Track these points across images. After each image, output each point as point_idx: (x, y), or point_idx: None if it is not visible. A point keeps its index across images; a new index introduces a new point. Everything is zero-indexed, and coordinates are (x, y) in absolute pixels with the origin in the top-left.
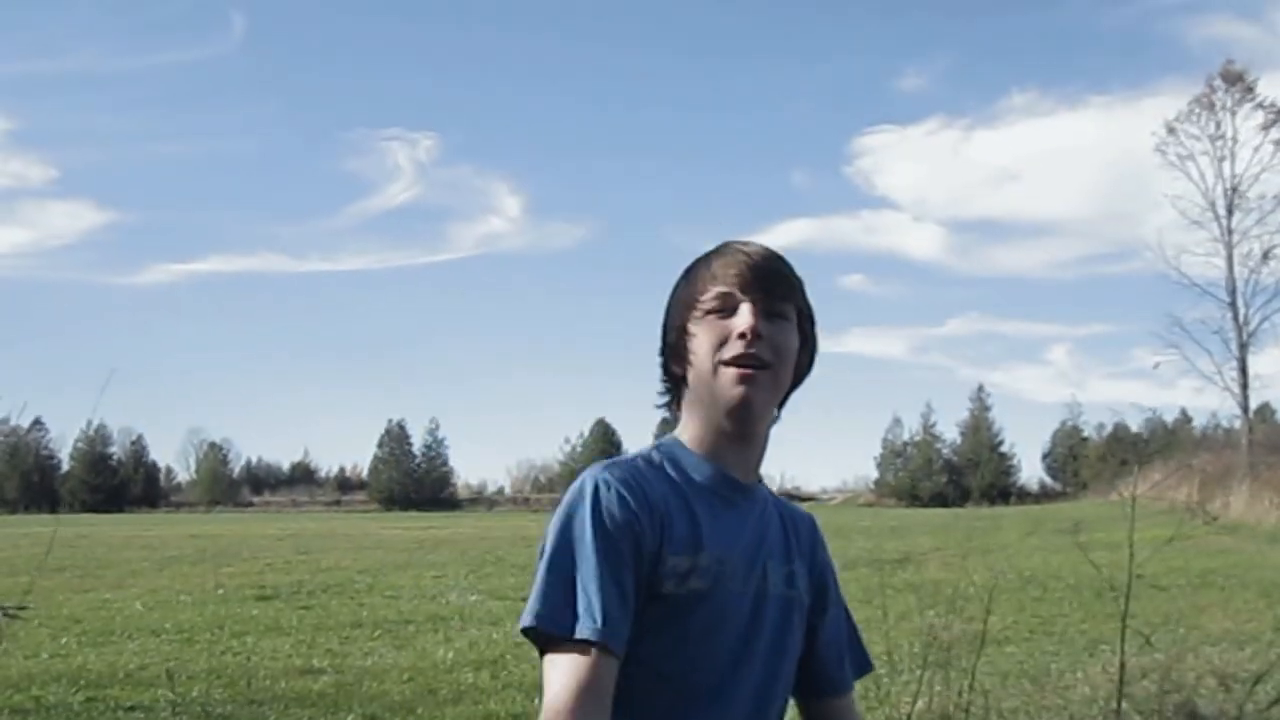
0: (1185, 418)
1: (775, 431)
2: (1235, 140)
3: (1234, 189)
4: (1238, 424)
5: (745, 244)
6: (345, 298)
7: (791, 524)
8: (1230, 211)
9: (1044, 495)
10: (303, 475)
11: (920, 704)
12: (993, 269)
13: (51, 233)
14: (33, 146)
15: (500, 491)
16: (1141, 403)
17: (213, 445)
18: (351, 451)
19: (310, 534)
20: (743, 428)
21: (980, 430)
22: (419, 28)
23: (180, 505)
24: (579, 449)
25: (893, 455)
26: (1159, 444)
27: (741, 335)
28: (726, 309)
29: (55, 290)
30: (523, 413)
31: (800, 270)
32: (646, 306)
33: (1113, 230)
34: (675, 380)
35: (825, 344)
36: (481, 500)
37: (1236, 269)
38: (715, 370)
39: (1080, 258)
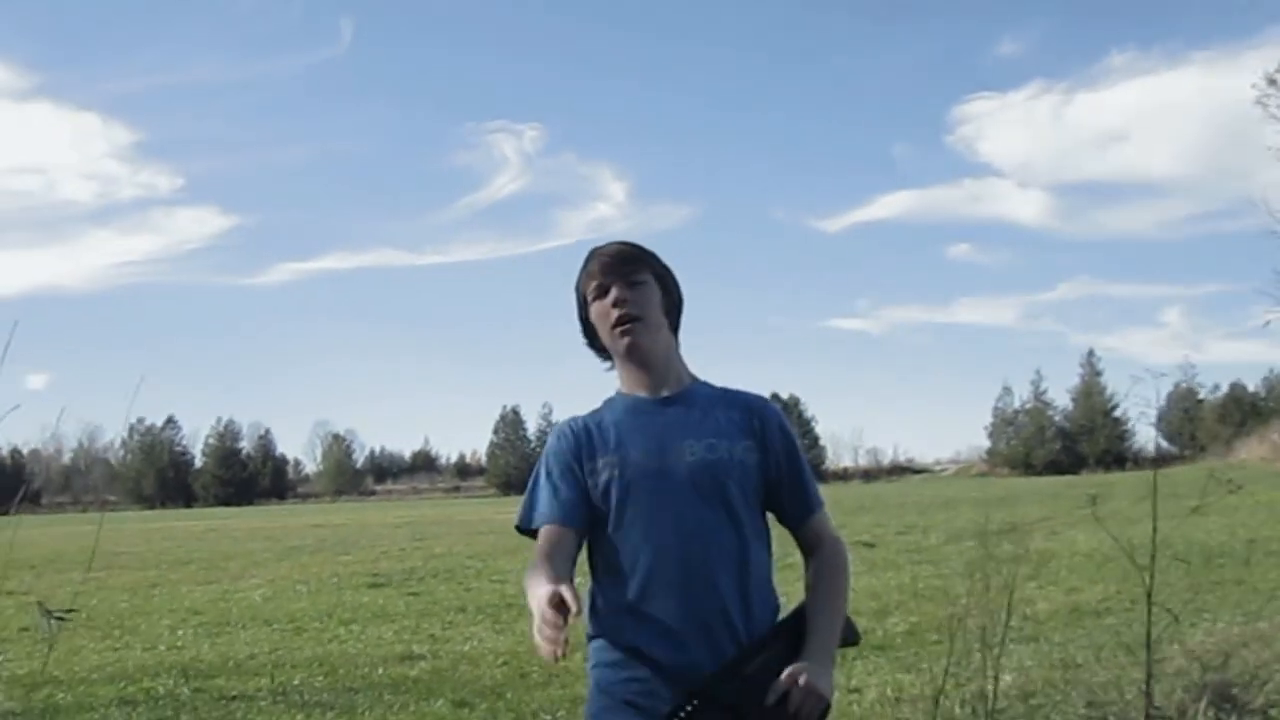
0: None
1: (887, 408)
2: None
3: None
4: None
5: (604, 245)
6: (459, 288)
7: (727, 409)
8: None
9: (1161, 460)
10: (423, 463)
11: (1008, 679)
12: (1101, 231)
13: (180, 238)
14: (160, 157)
15: None
16: (1262, 361)
17: (337, 437)
18: (470, 439)
19: (427, 521)
20: (641, 361)
21: (1092, 396)
22: (518, 22)
23: (306, 496)
24: None
25: (1004, 424)
26: (1277, 403)
27: (615, 304)
28: (603, 293)
29: (184, 293)
30: None
31: (904, 242)
32: (752, 281)
33: (1222, 187)
34: (602, 350)
35: (933, 315)
36: None
37: None
38: (611, 335)
39: (1190, 216)
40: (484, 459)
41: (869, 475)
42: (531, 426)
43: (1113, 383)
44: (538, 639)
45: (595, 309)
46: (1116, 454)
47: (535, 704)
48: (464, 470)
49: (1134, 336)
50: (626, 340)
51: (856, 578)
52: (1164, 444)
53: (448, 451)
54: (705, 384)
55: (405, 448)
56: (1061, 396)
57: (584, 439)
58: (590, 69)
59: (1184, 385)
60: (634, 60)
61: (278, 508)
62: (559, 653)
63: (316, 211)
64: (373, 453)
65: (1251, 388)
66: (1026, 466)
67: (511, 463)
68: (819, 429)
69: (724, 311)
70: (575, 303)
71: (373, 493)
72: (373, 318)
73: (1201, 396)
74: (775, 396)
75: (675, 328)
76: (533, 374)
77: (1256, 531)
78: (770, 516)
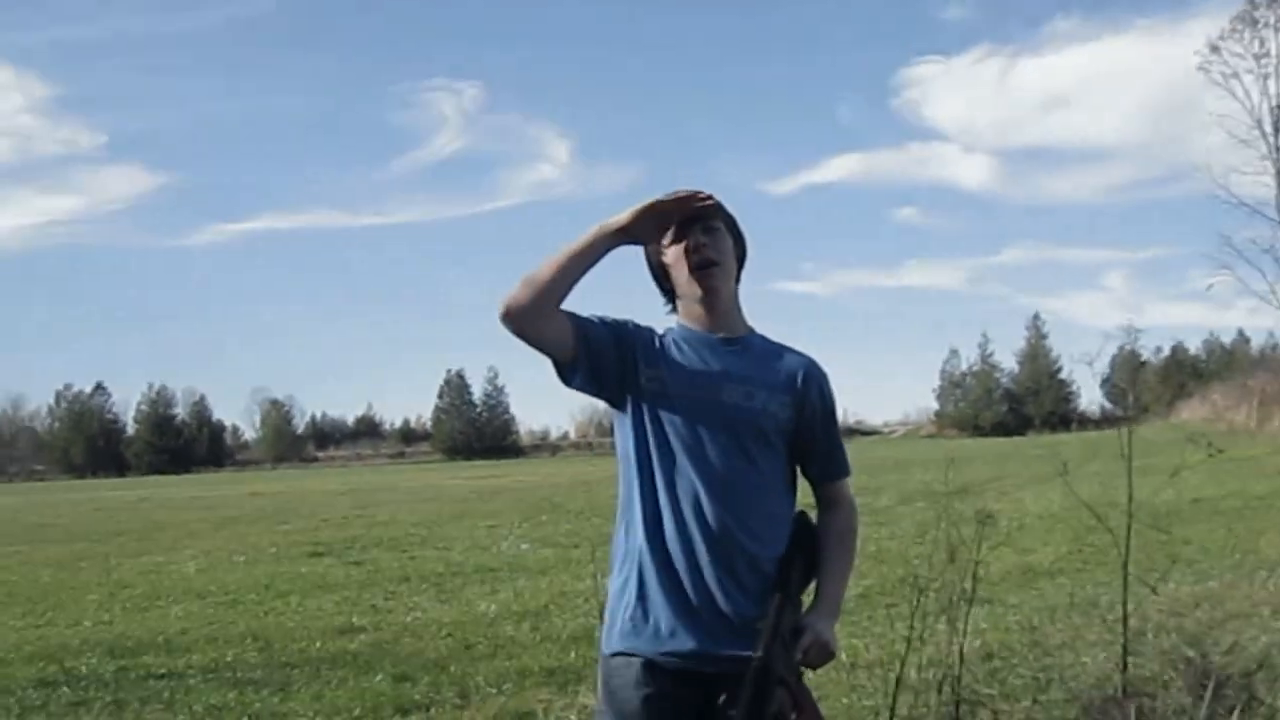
0: (1243, 338)
1: (834, 369)
2: (1278, 57)
3: (1279, 106)
4: None
5: (674, 193)
6: (400, 250)
7: (775, 362)
8: (1277, 129)
9: (1104, 421)
10: (367, 429)
11: (964, 641)
12: (1045, 196)
13: (105, 197)
14: (81, 112)
15: (564, 437)
16: (1201, 324)
17: (275, 403)
18: (415, 403)
19: (370, 488)
20: (712, 304)
21: (1038, 358)
22: None
23: (245, 464)
24: None
25: (952, 386)
26: (1217, 365)
27: (696, 250)
28: (679, 237)
29: (110, 255)
30: None
31: (851, 205)
32: None
33: (1163, 153)
34: (669, 291)
35: (881, 278)
36: (545, 446)
37: None
38: (689, 278)
39: (1132, 182)
40: (429, 424)
41: None
42: (477, 390)
43: (1058, 345)
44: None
45: (672, 252)
46: (1062, 415)
47: (480, 677)
48: (408, 436)
49: (1078, 300)
50: (706, 284)
51: None
52: (1107, 405)
53: (391, 417)
54: (760, 336)
55: (347, 413)
56: (1008, 359)
57: (647, 341)
58: (532, 26)
59: (1127, 348)
60: (577, 18)
61: (214, 476)
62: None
63: (249, 170)
64: (314, 418)
65: (1192, 350)
66: (974, 428)
67: (457, 427)
68: None
69: None
70: (646, 255)
71: (314, 459)
72: (310, 280)
73: (1144, 359)
74: None
75: (738, 276)
76: (478, 337)
77: (1199, 491)
78: None
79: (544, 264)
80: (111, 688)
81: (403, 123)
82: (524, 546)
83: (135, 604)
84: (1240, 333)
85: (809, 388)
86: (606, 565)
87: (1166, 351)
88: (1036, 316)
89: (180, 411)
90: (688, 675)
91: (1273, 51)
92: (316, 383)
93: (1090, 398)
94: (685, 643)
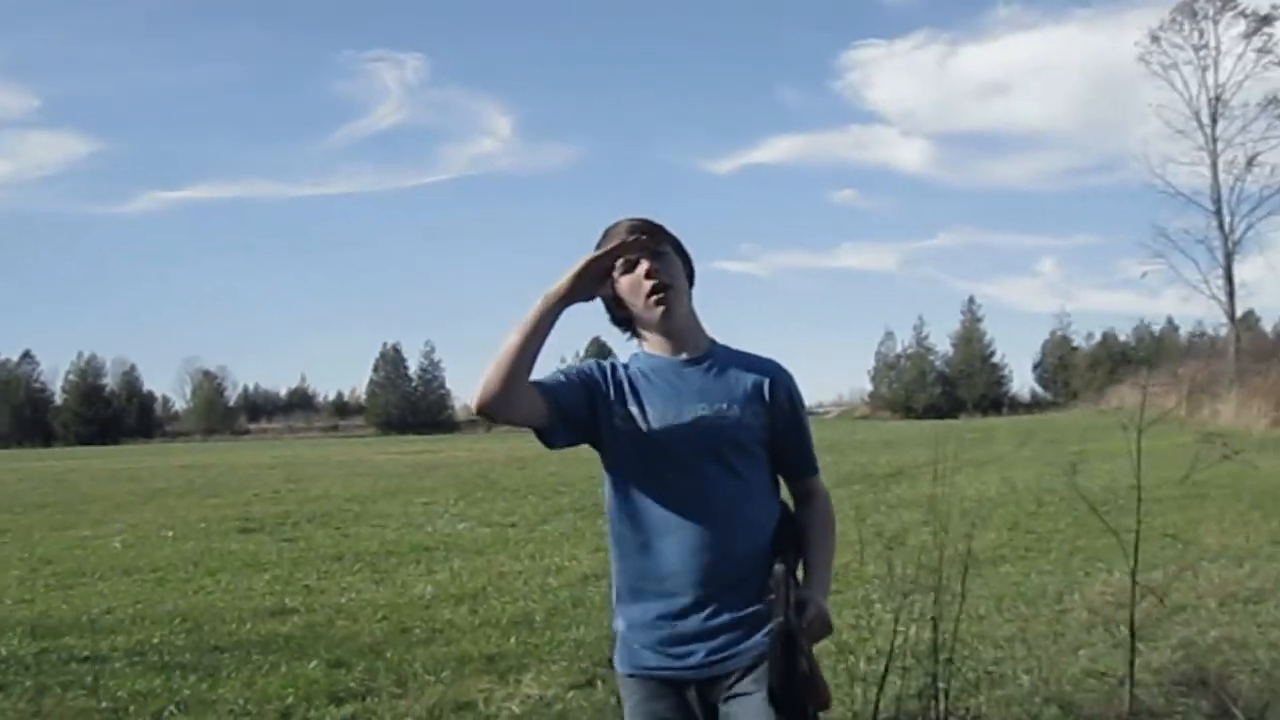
0: (1172, 326)
1: (769, 349)
2: (1218, 49)
3: (1217, 98)
4: (1224, 332)
5: (619, 223)
6: (337, 222)
7: (742, 373)
8: (1214, 120)
9: (1035, 405)
10: (300, 401)
11: (912, 631)
12: (982, 182)
13: (34, 163)
14: (10, 76)
15: None
16: (1130, 311)
17: (208, 374)
18: (349, 376)
19: (303, 462)
20: (670, 327)
21: (972, 342)
22: None
23: (175, 435)
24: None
25: (886, 368)
26: (1147, 352)
27: (648, 275)
28: (631, 267)
29: (40, 222)
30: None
31: (790, 186)
32: None
33: (1099, 141)
34: (625, 321)
35: (817, 259)
36: (480, 422)
37: (1221, 177)
38: (645, 304)
39: (1068, 169)
40: (363, 397)
41: None
42: (413, 365)
43: (991, 329)
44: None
45: (626, 282)
46: (994, 399)
47: (418, 663)
48: (342, 409)
49: (1011, 285)
50: (661, 309)
51: None
52: (1038, 389)
53: (325, 389)
54: (723, 347)
55: (280, 385)
56: (942, 342)
57: (613, 379)
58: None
59: (1059, 333)
60: None
61: (144, 447)
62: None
63: (185, 138)
64: (246, 390)
65: (1122, 338)
66: (907, 410)
67: (392, 401)
68: None
69: None
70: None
71: (246, 432)
72: (246, 250)
73: (1076, 345)
74: None
75: (689, 295)
76: (414, 311)
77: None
78: None
79: (502, 348)
80: (32, 671)
81: (344, 93)
82: (460, 525)
83: (59, 581)
84: (1170, 321)
85: (777, 393)
86: (544, 546)
87: (1098, 338)
88: (971, 300)
89: (110, 381)
90: (697, 683)
91: (1212, 43)
92: (249, 354)
93: (1022, 382)
94: (692, 658)
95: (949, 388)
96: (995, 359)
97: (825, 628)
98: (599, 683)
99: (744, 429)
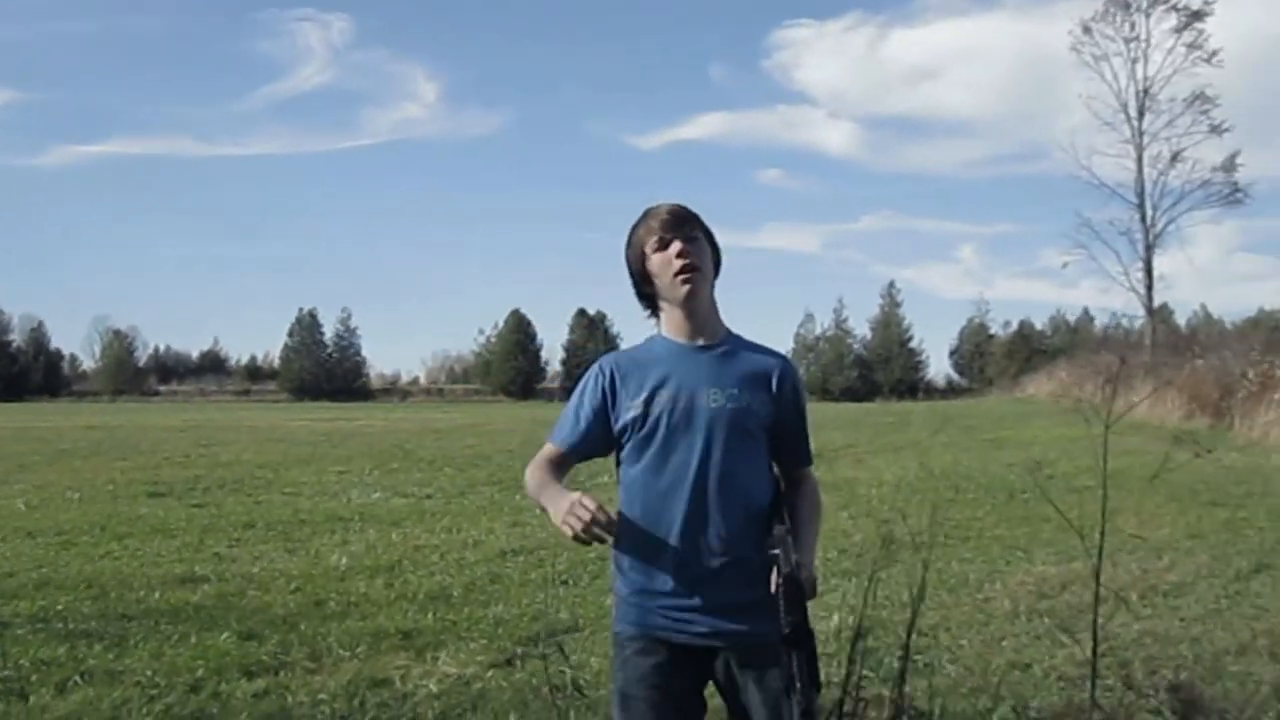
0: (1088, 316)
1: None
2: (1148, 42)
3: (1145, 91)
4: (1139, 324)
5: (659, 205)
6: (256, 182)
7: (751, 362)
8: (1141, 113)
9: (950, 391)
10: (212, 364)
11: (835, 620)
12: (907, 166)
13: None
14: None
15: (414, 381)
16: (1047, 301)
17: (118, 333)
18: (262, 340)
19: (214, 425)
20: (693, 308)
21: (890, 326)
22: None
23: (83, 395)
24: (493, 339)
25: (805, 350)
26: (1062, 342)
27: (679, 255)
28: (664, 245)
29: None
30: (437, 303)
31: (717, 163)
32: (564, 197)
33: (1025, 130)
34: (648, 298)
35: (740, 238)
36: (395, 390)
37: (1145, 171)
38: (672, 282)
39: (992, 157)
40: (277, 362)
41: None
42: (329, 331)
43: (910, 315)
44: (569, 519)
45: (657, 259)
46: (910, 384)
47: (332, 638)
48: (255, 373)
49: (931, 270)
50: (687, 288)
51: None
52: (953, 375)
53: (238, 353)
54: (737, 337)
55: (192, 347)
56: (861, 325)
57: (618, 378)
58: None
59: (977, 320)
60: None
61: (50, 406)
62: (591, 531)
63: (101, 91)
64: (157, 351)
65: (1039, 326)
66: (824, 392)
67: (306, 367)
68: (623, 345)
69: (532, 223)
70: (627, 257)
71: (156, 393)
72: (161, 208)
73: (993, 332)
74: (582, 312)
75: (713, 283)
76: (332, 277)
77: (1054, 466)
78: None
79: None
80: None
81: (267, 52)
82: (375, 495)
83: None
84: (1086, 311)
85: (784, 385)
86: (461, 519)
87: (1014, 327)
88: (892, 285)
89: (16, 338)
90: (691, 649)
91: (1143, 36)
92: (161, 314)
93: (938, 368)
94: (692, 627)
95: (866, 371)
96: (913, 344)
97: (812, 589)
98: (519, 662)
99: (749, 415)
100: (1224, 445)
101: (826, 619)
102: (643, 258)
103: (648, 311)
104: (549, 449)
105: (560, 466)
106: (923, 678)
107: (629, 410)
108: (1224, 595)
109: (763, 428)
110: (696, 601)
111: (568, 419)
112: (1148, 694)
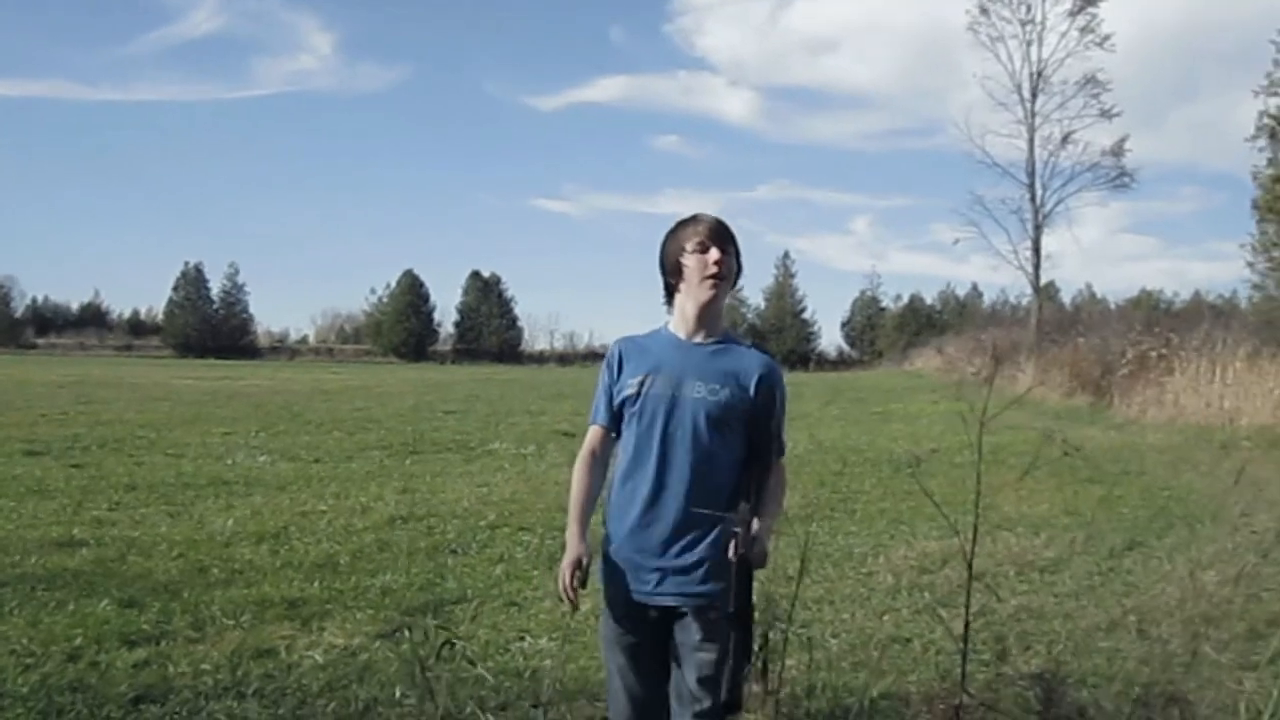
0: (976, 292)
1: (584, 294)
2: (1043, 25)
3: (1039, 73)
4: (1027, 301)
5: (707, 214)
6: (142, 130)
7: (736, 362)
8: (1034, 95)
9: (841, 362)
10: (93, 317)
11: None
12: (804, 137)
13: None
14: None
15: (303, 340)
16: (938, 275)
17: None
18: (146, 294)
19: (95, 381)
20: (705, 311)
21: (784, 297)
22: None
23: None
24: (385, 300)
25: None
26: (951, 316)
27: (716, 263)
28: (704, 249)
29: None
30: (328, 261)
31: (615, 127)
32: (460, 156)
33: (921, 105)
34: (670, 288)
35: (638, 204)
36: (283, 349)
37: (1037, 151)
38: (700, 283)
39: (887, 130)
40: (160, 317)
41: (564, 359)
42: (215, 286)
43: (804, 285)
44: (561, 591)
45: (694, 260)
46: (803, 354)
47: (216, 606)
48: (138, 328)
49: (825, 241)
50: (712, 293)
51: (557, 469)
52: (844, 347)
53: (120, 307)
54: (731, 338)
55: (72, 299)
56: (755, 295)
57: (624, 357)
58: None
59: (868, 293)
60: None
61: None
62: (574, 605)
63: None
64: (34, 302)
65: (929, 300)
66: None
67: (191, 323)
68: (518, 309)
69: (427, 182)
70: (665, 249)
71: (33, 346)
72: (40, 154)
73: (884, 305)
74: (476, 274)
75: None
76: (220, 230)
77: (939, 440)
78: None
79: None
80: None
81: None
82: (261, 458)
83: None
84: (974, 287)
85: (762, 386)
86: (349, 485)
87: (905, 300)
88: (786, 255)
89: None
90: (654, 607)
91: (1038, 19)
92: (40, 264)
93: (830, 339)
94: (649, 586)
95: (760, 341)
96: (806, 315)
97: (763, 560)
98: (406, 631)
99: (727, 408)
100: (1103, 422)
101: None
102: (680, 252)
103: (664, 300)
104: (593, 432)
105: (605, 443)
106: (805, 652)
107: (627, 388)
108: (1097, 572)
109: (739, 420)
110: (656, 564)
111: (600, 399)
112: (1016, 679)
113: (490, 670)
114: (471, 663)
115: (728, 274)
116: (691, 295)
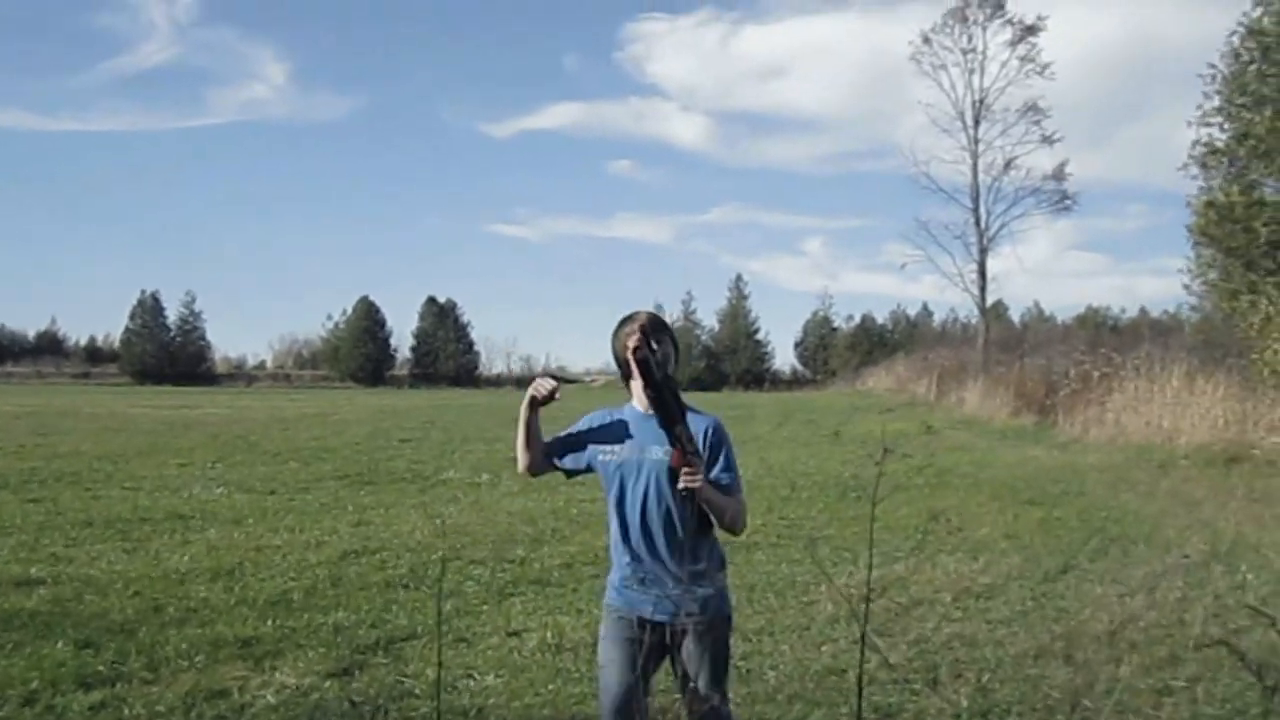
0: (927, 312)
1: (541, 317)
2: (984, 54)
3: (981, 101)
4: (976, 320)
5: (639, 315)
6: (97, 159)
7: (690, 425)
8: (977, 122)
9: (795, 382)
10: (50, 345)
11: None
12: (755, 160)
13: None
14: None
15: (261, 366)
16: (890, 295)
17: None
18: (103, 321)
19: (52, 411)
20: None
21: (738, 318)
22: None
23: None
24: (342, 325)
25: None
26: (902, 336)
27: (645, 385)
28: (637, 355)
29: None
30: (285, 287)
31: (569, 153)
32: (415, 183)
33: (870, 128)
34: (626, 377)
35: (592, 228)
36: (240, 375)
37: (980, 177)
38: (642, 394)
39: (838, 153)
40: (118, 345)
41: (520, 383)
42: (172, 314)
43: (757, 306)
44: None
45: (635, 384)
46: (757, 375)
47: (170, 646)
48: (95, 355)
49: (779, 263)
50: (653, 394)
51: (510, 498)
52: (798, 367)
53: (77, 334)
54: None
55: (29, 327)
56: (709, 316)
57: (605, 427)
58: None
59: (820, 313)
60: None
61: None
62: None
63: None
64: None
65: (880, 320)
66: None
67: (149, 351)
68: (474, 333)
69: (383, 208)
70: (613, 346)
71: None
72: None
73: (836, 325)
74: (432, 300)
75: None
76: (176, 257)
77: (885, 464)
78: None
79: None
80: None
81: (108, 26)
82: (218, 490)
83: None
84: (925, 306)
85: (712, 441)
86: (304, 518)
87: (857, 320)
88: (739, 277)
89: None
90: (648, 623)
91: (979, 48)
92: None
93: (784, 359)
94: (642, 608)
95: (714, 362)
96: (759, 336)
97: (690, 486)
98: (357, 671)
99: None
100: (1047, 442)
101: None
102: (625, 350)
103: (624, 385)
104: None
105: (543, 447)
106: (744, 684)
107: (603, 453)
108: (1031, 597)
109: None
110: (643, 592)
111: (561, 432)
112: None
113: (438, 709)
114: (416, 698)
115: (664, 362)
116: (637, 391)
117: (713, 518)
